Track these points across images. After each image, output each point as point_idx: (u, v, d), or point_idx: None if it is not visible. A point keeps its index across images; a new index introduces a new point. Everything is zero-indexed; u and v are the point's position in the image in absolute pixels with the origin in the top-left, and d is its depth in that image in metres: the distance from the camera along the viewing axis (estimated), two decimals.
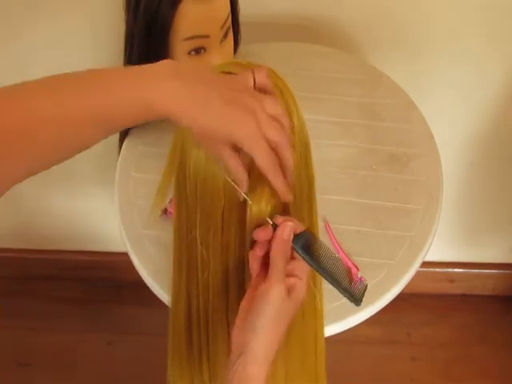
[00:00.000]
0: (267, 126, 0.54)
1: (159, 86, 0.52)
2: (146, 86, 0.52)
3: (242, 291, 0.64)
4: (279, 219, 0.59)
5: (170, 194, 0.70)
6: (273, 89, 0.58)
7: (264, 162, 0.54)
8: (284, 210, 0.62)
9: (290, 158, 0.57)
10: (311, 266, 0.59)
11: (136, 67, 0.55)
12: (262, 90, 0.58)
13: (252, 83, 0.57)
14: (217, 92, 0.53)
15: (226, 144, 0.55)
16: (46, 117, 0.52)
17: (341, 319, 0.79)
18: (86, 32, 1.19)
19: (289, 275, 0.59)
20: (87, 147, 0.56)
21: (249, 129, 0.53)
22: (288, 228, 0.59)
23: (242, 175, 0.57)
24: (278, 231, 0.58)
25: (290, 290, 0.59)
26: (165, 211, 0.88)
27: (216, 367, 0.68)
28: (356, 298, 0.60)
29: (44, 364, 1.61)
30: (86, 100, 0.52)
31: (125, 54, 0.93)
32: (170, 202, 0.87)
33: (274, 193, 0.58)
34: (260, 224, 0.59)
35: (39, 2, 1.14)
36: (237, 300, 0.64)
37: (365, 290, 0.61)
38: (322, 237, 0.84)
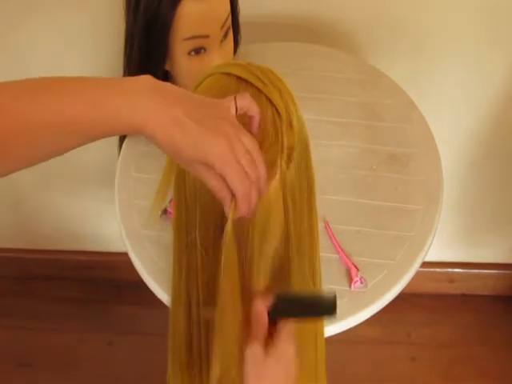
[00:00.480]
0: (241, 155, 0.54)
1: (136, 99, 0.52)
2: (124, 99, 0.52)
3: (242, 292, 0.64)
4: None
5: (170, 194, 0.70)
6: (258, 109, 0.58)
7: (237, 185, 0.54)
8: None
9: (256, 197, 0.56)
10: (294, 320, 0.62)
11: (117, 79, 0.55)
12: (246, 115, 0.58)
13: (234, 112, 0.56)
14: (194, 113, 0.53)
15: (199, 163, 0.54)
16: (21, 120, 0.51)
17: (341, 319, 0.79)
18: (86, 32, 1.19)
19: (271, 334, 0.60)
20: (61, 153, 0.56)
21: (222, 149, 0.53)
22: (260, 304, 0.60)
23: (222, 193, 0.56)
24: (253, 308, 0.60)
25: (268, 348, 0.59)
26: (165, 211, 0.88)
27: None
28: (331, 313, 0.61)
29: (44, 364, 1.61)
30: (64, 106, 0.52)
31: (125, 54, 0.93)
32: (169, 202, 0.87)
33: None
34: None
35: (39, 2, 1.14)
36: (238, 299, 0.64)
37: (335, 300, 0.61)
38: (322, 237, 0.84)
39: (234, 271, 0.58)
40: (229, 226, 0.57)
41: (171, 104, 0.53)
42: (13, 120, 0.51)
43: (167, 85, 0.55)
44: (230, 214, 0.56)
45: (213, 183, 0.55)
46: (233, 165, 0.53)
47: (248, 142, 0.55)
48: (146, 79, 0.54)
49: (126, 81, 0.54)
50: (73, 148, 0.55)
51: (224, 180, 0.54)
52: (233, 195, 0.55)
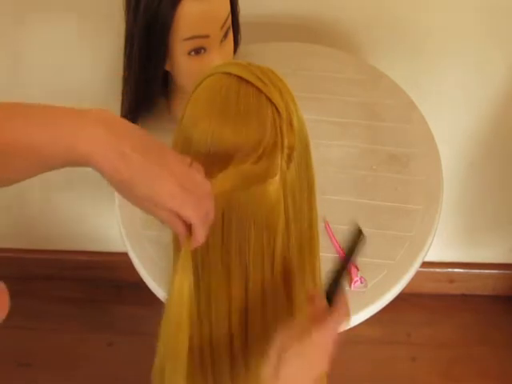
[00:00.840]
0: (188, 185, 0.54)
1: (85, 130, 0.52)
2: (74, 128, 0.52)
3: (242, 291, 0.64)
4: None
5: None
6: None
7: (193, 218, 0.54)
8: None
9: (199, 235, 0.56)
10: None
11: (76, 110, 0.54)
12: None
13: (188, 161, 0.56)
14: (141, 149, 0.53)
15: (147, 201, 0.55)
16: None
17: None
18: (86, 32, 1.19)
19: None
20: (17, 180, 0.56)
21: (170, 188, 0.53)
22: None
23: (177, 228, 0.56)
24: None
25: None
26: None
27: (219, 368, 0.68)
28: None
29: (44, 364, 1.61)
30: (20, 132, 0.52)
31: (125, 54, 0.93)
32: None
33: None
34: None
35: (39, 2, 1.14)
36: (238, 299, 0.64)
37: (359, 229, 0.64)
38: (322, 237, 0.84)
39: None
40: (185, 257, 0.56)
41: (120, 138, 0.53)
42: None
43: (120, 119, 0.55)
44: (186, 246, 0.56)
45: (165, 219, 0.55)
46: (183, 199, 0.53)
47: (195, 175, 0.55)
48: (100, 112, 0.54)
49: (82, 112, 0.54)
50: (29, 176, 0.56)
51: (175, 213, 0.54)
52: (187, 226, 0.55)
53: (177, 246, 0.68)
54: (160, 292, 0.83)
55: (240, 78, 0.61)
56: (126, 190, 0.55)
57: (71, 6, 1.14)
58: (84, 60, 1.23)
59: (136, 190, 0.54)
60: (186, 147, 0.62)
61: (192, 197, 0.54)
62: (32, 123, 0.53)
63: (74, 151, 0.52)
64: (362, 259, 0.84)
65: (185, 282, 0.56)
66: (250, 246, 0.62)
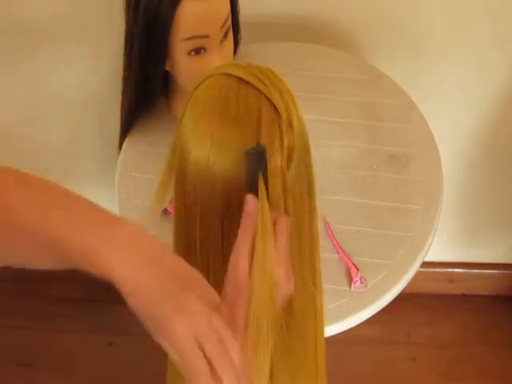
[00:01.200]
0: (205, 339, 0.48)
1: (112, 248, 0.52)
2: (102, 242, 0.52)
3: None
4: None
5: (170, 194, 0.70)
6: None
7: (190, 368, 0.49)
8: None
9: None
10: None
11: (106, 217, 0.54)
12: None
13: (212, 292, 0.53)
14: (166, 282, 0.51)
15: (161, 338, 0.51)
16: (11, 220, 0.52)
17: (341, 319, 0.79)
18: (86, 32, 1.19)
19: None
20: (35, 267, 0.55)
21: (182, 332, 0.49)
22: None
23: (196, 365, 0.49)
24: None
25: None
26: (165, 211, 0.88)
27: None
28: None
29: (44, 364, 1.61)
30: (47, 227, 0.52)
31: (125, 54, 0.93)
32: (169, 202, 0.87)
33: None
34: None
35: (40, 2, 1.14)
36: None
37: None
38: (322, 237, 0.84)
39: None
40: None
41: (145, 264, 0.52)
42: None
43: (148, 239, 0.54)
44: None
45: (176, 359, 0.50)
46: (192, 352, 0.48)
47: (217, 323, 0.49)
48: (128, 229, 0.54)
49: (110, 224, 0.54)
50: (46, 267, 0.55)
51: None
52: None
53: (177, 246, 0.68)
54: None
55: (240, 78, 0.61)
56: (140, 315, 0.54)
57: (71, 5, 1.14)
58: (84, 60, 1.23)
59: (150, 325, 0.52)
60: (184, 148, 0.62)
61: (209, 344, 0.49)
62: (69, 219, 0.53)
63: (94, 264, 0.52)
64: (361, 259, 0.84)
65: None
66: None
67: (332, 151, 0.97)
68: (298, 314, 0.67)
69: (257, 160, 0.56)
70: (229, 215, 0.62)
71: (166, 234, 0.83)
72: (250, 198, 0.55)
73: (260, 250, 0.52)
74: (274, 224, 0.55)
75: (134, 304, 0.52)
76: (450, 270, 1.67)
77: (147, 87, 0.93)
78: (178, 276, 0.52)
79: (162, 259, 0.53)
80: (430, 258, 1.07)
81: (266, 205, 0.55)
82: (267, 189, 0.55)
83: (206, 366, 0.48)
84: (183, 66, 0.89)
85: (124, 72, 0.95)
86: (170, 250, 0.54)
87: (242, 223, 0.55)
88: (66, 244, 0.52)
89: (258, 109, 0.60)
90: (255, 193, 0.55)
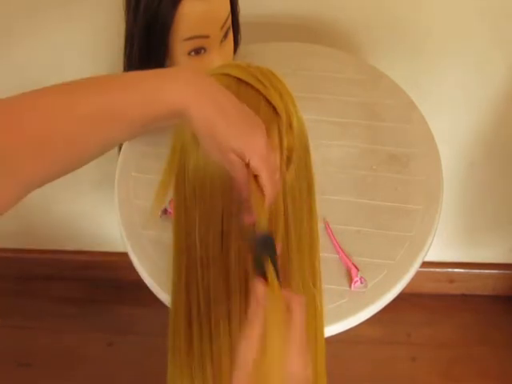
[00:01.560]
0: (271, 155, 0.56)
1: (179, 82, 0.53)
2: (166, 81, 0.53)
3: (243, 292, 0.64)
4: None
5: (170, 194, 0.70)
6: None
7: (268, 185, 0.56)
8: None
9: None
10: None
11: (156, 70, 0.56)
12: None
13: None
14: (237, 105, 0.55)
15: (232, 153, 0.55)
16: (59, 115, 0.51)
17: (341, 319, 0.79)
18: (86, 32, 1.19)
19: None
20: (107, 147, 0.56)
21: (261, 146, 0.55)
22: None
23: (244, 186, 0.57)
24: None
25: None
26: (165, 211, 0.88)
27: (218, 368, 0.68)
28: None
29: (44, 364, 1.61)
30: (105, 97, 0.53)
31: (125, 54, 0.93)
32: (169, 202, 0.87)
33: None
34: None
35: (40, 1, 1.14)
36: (238, 301, 0.64)
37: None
38: (322, 237, 0.84)
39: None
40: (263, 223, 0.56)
41: (215, 92, 0.54)
42: (51, 116, 0.51)
43: (206, 76, 0.56)
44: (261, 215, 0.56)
45: (238, 175, 0.57)
46: (268, 163, 0.55)
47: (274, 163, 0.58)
48: (188, 69, 0.55)
49: (167, 71, 0.56)
50: (118, 141, 0.56)
51: (249, 174, 0.56)
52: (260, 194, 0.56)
53: (177, 247, 0.68)
54: (160, 292, 0.83)
55: (239, 79, 0.61)
56: (214, 140, 0.55)
57: (71, 5, 1.14)
58: (84, 60, 1.23)
59: (227, 142, 0.55)
60: (184, 148, 0.62)
61: (272, 171, 0.56)
62: (123, 87, 0.54)
63: (164, 102, 0.53)
64: (361, 259, 0.84)
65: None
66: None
67: (332, 151, 0.97)
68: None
69: (264, 245, 0.56)
70: (228, 215, 0.62)
71: (166, 233, 0.83)
72: (258, 285, 0.54)
73: (270, 343, 0.51)
74: (288, 309, 0.53)
75: (208, 130, 0.54)
76: (449, 269, 1.67)
77: None
78: (245, 109, 0.56)
79: (225, 91, 0.56)
80: (429, 257, 1.08)
81: (277, 290, 0.54)
82: (278, 274, 0.55)
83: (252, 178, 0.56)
84: (183, 66, 0.89)
85: (124, 72, 0.95)
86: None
87: (250, 308, 0.54)
88: (124, 104, 0.53)
89: (258, 109, 0.60)
90: (264, 276, 0.54)
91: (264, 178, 0.56)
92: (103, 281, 1.69)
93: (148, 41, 0.86)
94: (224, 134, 0.54)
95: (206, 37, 0.85)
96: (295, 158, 0.62)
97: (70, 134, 0.52)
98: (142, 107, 0.53)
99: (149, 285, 0.85)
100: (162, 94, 0.53)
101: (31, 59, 1.24)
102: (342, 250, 0.85)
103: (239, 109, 0.56)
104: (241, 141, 0.54)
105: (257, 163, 0.55)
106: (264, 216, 0.57)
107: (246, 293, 0.64)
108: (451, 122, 1.30)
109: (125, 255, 0.89)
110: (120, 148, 1.00)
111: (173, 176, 0.66)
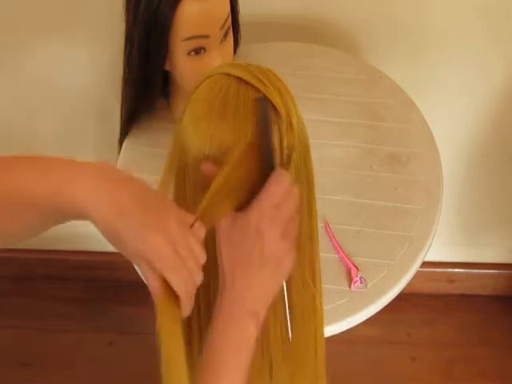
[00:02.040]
0: (182, 252, 0.53)
1: (81, 180, 0.52)
2: (69, 176, 0.52)
3: None
4: None
5: (170, 194, 0.70)
6: None
7: (179, 286, 0.53)
8: None
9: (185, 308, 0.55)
10: None
11: (72, 162, 0.54)
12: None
13: (189, 221, 0.55)
14: (138, 201, 0.52)
15: (139, 257, 0.54)
16: None
17: (341, 319, 0.79)
18: (86, 32, 1.19)
19: None
20: (21, 237, 0.57)
21: (160, 247, 0.52)
22: None
23: (157, 295, 0.54)
24: None
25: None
26: None
27: None
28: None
29: (44, 364, 1.61)
30: (20, 182, 0.52)
31: (125, 54, 0.93)
32: None
33: None
34: None
35: (39, 1, 1.14)
36: None
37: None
38: (322, 237, 0.84)
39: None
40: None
41: (116, 188, 0.52)
42: None
43: (119, 171, 0.54)
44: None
45: (151, 283, 0.53)
46: (173, 265, 0.52)
47: (192, 242, 0.54)
48: (100, 164, 0.53)
49: (78, 163, 0.54)
50: (29, 230, 0.57)
51: (163, 280, 0.53)
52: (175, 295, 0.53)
53: None
54: None
55: (239, 78, 0.61)
56: (117, 243, 0.54)
57: (71, 5, 1.14)
58: (84, 60, 1.23)
59: (126, 242, 0.53)
60: (184, 148, 0.62)
61: (183, 267, 0.53)
62: (32, 173, 0.52)
63: (66, 199, 0.52)
64: (361, 259, 0.85)
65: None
66: None
67: (332, 151, 0.97)
68: (297, 314, 0.67)
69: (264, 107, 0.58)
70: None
71: None
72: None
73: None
74: None
75: (109, 232, 0.53)
76: (449, 269, 1.67)
77: (147, 87, 0.93)
78: (152, 199, 0.54)
79: (132, 184, 0.54)
80: (429, 257, 1.08)
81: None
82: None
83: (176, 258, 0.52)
84: (183, 66, 0.89)
85: (124, 72, 0.95)
86: (135, 177, 0.55)
87: None
88: (37, 199, 0.52)
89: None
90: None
91: (172, 281, 0.52)
92: (103, 281, 1.69)
93: (148, 41, 0.86)
94: (127, 239, 0.52)
95: (206, 37, 0.85)
96: (295, 157, 0.62)
97: None
98: (47, 198, 0.52)
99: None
100: (65, 190, 0.51)
101: (30, 59, 1.24)
102: (342, 250, 0.85)
103: (144, 202, 0.53)
104: (138, 243, 0.52)
105: (158, 268, 0.52)
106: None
107: None
108: (451, 122, 1.30)
109: None
110: (120, 148, 1.00)
111: (172, 177, 0.66)
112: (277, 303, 0.66)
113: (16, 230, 0.55)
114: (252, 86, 0.60)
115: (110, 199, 0.51)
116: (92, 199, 0.51)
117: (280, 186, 0.57)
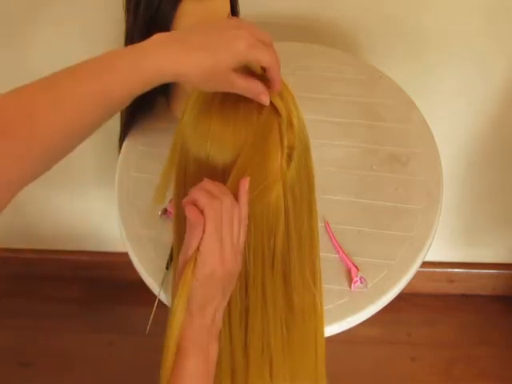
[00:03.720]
0: (257, 45, 0.57)
1: (155, 50, 0.55)
2: (144, 55, 0.55)
3: (242, 290, 0.64)
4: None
5: (170, 194, 0.70)
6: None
7: (268, 59, 0.58)
8: None
9: (279, 80, 0.60)
10: None
11: (130, 46, 0.57)
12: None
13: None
14: (209, 30, 0.57)
15: (230, 71, 0.57)
16: (43, 102, 0.52)
17: (341, 319, 0.79)
18: (86, 32, 1.19)
19: None
20: (88, 133, 0.57)
21: (245, 40, 0.56)
22: None
23: (257, 87, 0.59)
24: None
25: None
26: (165, 211, 0.88)
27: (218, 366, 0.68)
28: None
29: (44, 364, 1.61)
30: (84, 81, 0.54)
31: None
32: (169, 202, 0.87)
33: None
34: None
35: (39, 1, 1.14)
36: (238, 298, 0.64)
37: None
38: (322, 237, 0.84)
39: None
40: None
41: (186, 37, 0.57)
42: (34, 103, 0.53)
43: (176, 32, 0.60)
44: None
45: (243, 82, 0.58)
46: (261, 47, 0.57)
47: (259, 32, 0.59)
48: (156, 35, 0.57)
49: (138, 44, 0.57)
50: (97, 124, 0.57)
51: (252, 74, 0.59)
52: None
53: (176, 247, 0.68)
54: (160, 292, 0.83)
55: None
56: (211, 76, 0.57)
57: (72, 5, 1.14)
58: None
59: (218, 65, 0.56)
60: (185, 148, 0.62)
61: (266, 45, 0.58)
62: (100, 74, 0.55)
63: (149, 72, 0.55)
64: (361, 259, 0.84)
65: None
66: (249, 246, 0.62)
67: (332, 151, 0.97)
68: (298, 313, 0.67)
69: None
70: None
71: (166, 233, 0.83)
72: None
73: None
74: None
75: (202, 70, 0.56)
76: (449, 269, 1.67)
77: None
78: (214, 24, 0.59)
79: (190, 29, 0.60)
80: (429, 257, 1.08)
81: None
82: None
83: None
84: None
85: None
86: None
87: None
88: (109, 90, 0.54)
89: (258, 109, 0.60)
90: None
91: (265, 61, 0.58)
92: (103, 281, 1.69)
93: None
94: (215, 62, 0.56)
95: None
96: (296, 157, 0.62)
97: (54, 121, 0.53)
98: (127, 85, 0.54)
99: (149, 285, 0.85)
100: (147, 63, 0.54)
101: (30, 59, 1.24)
102: (342, 250, 0.85)
103: (212, 26, 0.58)
104: (227, 53, 0.56)
105: (247, 53, 0.57)
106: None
107: (246, 288, 0.64)
108: (451, 122, 1.30)
109: (125, 255, 0.89)
110: (120, 148, 1.00)
111: (173, 176, 0.66)
112: (276, 304, 0.66)
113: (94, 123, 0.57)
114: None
115: (185, 46, 0.56)
116: (177, 56, 0.55)
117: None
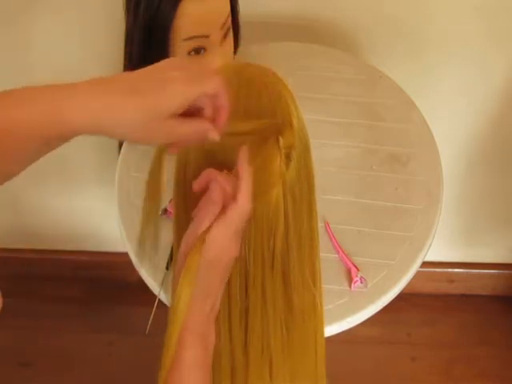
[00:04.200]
0: (195, 79, 0.53)
1: (80, 104, 0.51)
2: (62, 101, 0.51)
3: (242, 291, 0.64)
4: None
5: (170, 194, 0.70)
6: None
7: (212, 85, 0.53)
8: None
9: (227, 106, 0.55)
10: None
11: (53, 86, 0.53)
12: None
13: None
14: (137, 75, 0.52)
15: (166, 119, 0.52)
16: None
17: (341, 319, 0.79)
18: (86, 32, 1.19)
19: None
20: (23, 161, 0.54)
21: (180, 80, 0.51)
22: None
23: (202, 126, 0.54)
24: None
25: None
26: (165, 211, 0.88)
27: (218, 367, 0.68)
28: None
29: (44, 364, 1.61)
30: (8, 112, 0.50)
31: (125, 54, 0.93)
32: (169, 202, 0.87)
33: None
34: None
35: (39, 1, 1.14)
36: (238, 298, 0.64)
37: None
38: (322, 237, 0.84)
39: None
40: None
41: (111, 83, 0.53)
42: None
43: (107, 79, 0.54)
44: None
45: (185, 127, 0.53)
46: (194, 79, 0.52)
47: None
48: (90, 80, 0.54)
49: (65, 85, 0.53)
50: (30, 156, 0.54)
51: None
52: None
53: (176, 247, 0.68)
54: (160, 292, 0.83)
55: (240, 78, 0.61)
56: (146, 126, 0.52)
57: (72, 5, 1.14)
58: (84, 60, 1.23)
59: (157, 113, 0.51)
60: (185, 148, 0.62)
61: (204, 74, 0.53)
62: (24, 104, 0.51)
63: (61, 122, 0.50)
64: (361, 259, 0.84)
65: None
66: (249, 246, 0.62)
67: (332, 151, 0.97)
68: (297, 313, 0.67)
69: None
70: None
71: (166, 234, 0.83)
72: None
73: None
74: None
75: (126, 123, 0.51)
76: (449, 269, 1.67)
77: None
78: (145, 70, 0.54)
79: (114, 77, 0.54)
80: (429, 257, 1.08)
81: None
82: None
83: None
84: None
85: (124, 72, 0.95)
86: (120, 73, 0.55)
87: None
88: (29, 128, 0.50)
89: (258, 108, 0.60)
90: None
91: (210, 88, 0.53)
92: (103, 281, 1.69)
93: (148, 41, 0.86)
94: (147, 108, 0.50)
95: (206, 37, 0.85)
96: (295, 157, 0.62)
97: None
98: (43, 127, 0.50)
99: (149, 285, 0.85)
100: (63, 115, 0.50)
101: (30, 60, 1.24)
102: (341, 250, 0.85)
103: (140, 71, 0.53)
104: (162, 92, 0.51)
105: (200, 84, 0.52)
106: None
107: (246, 288, 0.64)
108: (451, 122, 1.30)
109: (125, 255, 0.89)
110: (120, 148, 1.00)
111: (163, 174, 0.66)
112: (276, 304, 0.66)
113: (15, 164, 0.54)
114: (252, 85, 0.60)
115: (109, 92, 0.51)
116: (107, 112, 0.50)
117: None
